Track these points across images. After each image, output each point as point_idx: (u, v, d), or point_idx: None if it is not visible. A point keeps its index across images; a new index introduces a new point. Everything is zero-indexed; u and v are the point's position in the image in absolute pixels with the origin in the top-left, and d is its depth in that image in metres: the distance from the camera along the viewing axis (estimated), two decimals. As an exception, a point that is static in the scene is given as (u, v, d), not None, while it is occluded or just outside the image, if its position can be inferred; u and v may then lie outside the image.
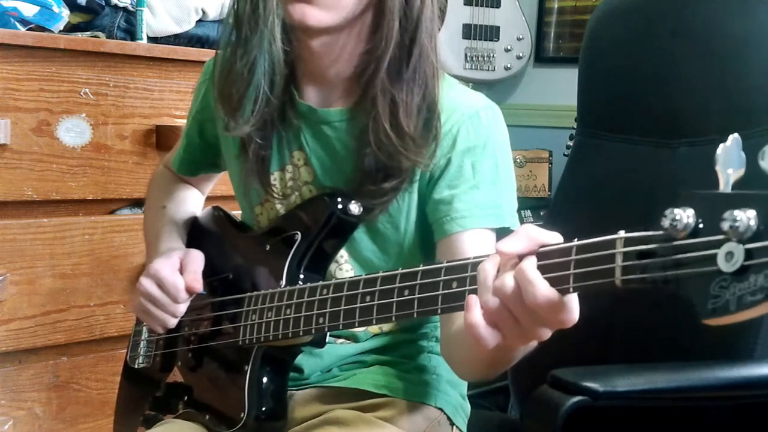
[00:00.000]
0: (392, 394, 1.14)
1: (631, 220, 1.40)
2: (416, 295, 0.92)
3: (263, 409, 1.09)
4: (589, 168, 1.54)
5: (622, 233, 0.74)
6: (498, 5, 3.05)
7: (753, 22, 1.36)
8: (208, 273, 1.19)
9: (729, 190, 0.70)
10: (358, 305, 0.98)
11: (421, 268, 0.93)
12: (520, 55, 3.08)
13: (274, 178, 1.17)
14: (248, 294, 1.11)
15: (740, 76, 1.36)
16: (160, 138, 1.83)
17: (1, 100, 1.60)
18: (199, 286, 1.14)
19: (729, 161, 0.71)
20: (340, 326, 1.01)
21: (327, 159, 1.14)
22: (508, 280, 0.80)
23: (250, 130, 1.11)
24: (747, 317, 0.64)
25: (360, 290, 0.98)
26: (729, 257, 0.65)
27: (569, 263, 0.77)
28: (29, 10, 1.69)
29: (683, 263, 0.68)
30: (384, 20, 1.05)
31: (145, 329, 1.28)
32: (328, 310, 1.01)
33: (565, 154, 2.60)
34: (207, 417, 1.15)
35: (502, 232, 1.09)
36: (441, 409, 1.17)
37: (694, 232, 0.68)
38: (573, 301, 0.79)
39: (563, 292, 0.78)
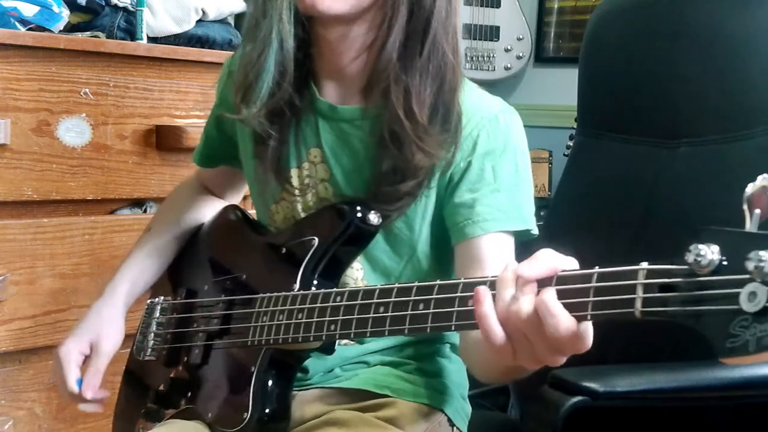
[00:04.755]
0: (394, 395, 1.14)
1: (632, 220, 1.41)
2: (431, 310, 0.91)
3: (266, 411, 1.09)
4: (589, 168, 1.54)
5: (644, 264, 0.74)
6: (498, 5, 3.05)
7: (753, 22, 1.37)
8: (220, 272, 1.20)
9: (755, 229, 0.69)
10: (371, 315, 0.96)
11: (438, 282, 0.91)
12: (520, 55, 3.08)
13: (291, 175, 1.16)
14: (260, 295, 1.11)
15: (741, 75, 1.36)
16: (160, 138, 1.83)
17: (1, 100, 1.60)
18: (90, 395, 1.21)
19: (757, 201, 0.71)
20: (352, 335, 1.00)
21: (345, 157, 1.14)
22: (526, 306, 0.80)
23: (257, 113, 1.11)
24: (765, 359, 0.64)
25: (374, 300, 0.96)
26: (752, 297, 0.64)
27: (588, 290, 0.76)
28: (29, 10, 1.69)
29: (705, 300, 0.68)
30: (388, 3, 1.05)
31: (154, 322, 1.28)
32: (341, 317, 0.99)
33: (565, 154, 2.60)
34: (210, 415, 1.15)
35: (522, 235, 1.11)
36: (442, 411, 1.17)
37: (718, 270, 0.68)
38: (589, 329, 0.80)
39: (580, 319, 0.77)
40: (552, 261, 0.81)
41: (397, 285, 0.95)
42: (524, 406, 1.47)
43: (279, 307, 1.07)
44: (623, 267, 0.75)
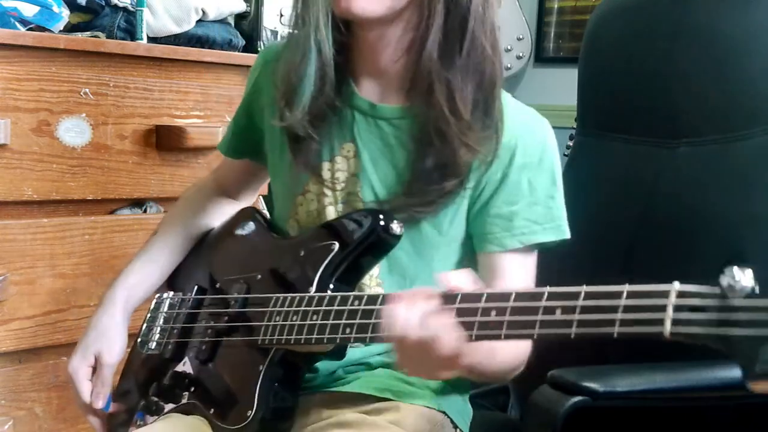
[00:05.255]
0: (396, 398, 1.14)
1: (631, 219, 1.41)
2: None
3: (271, 409, 1.09)
4: (589, 167, 1.54)
5: (676, 285, 0.74)
6: (498, 5, 3.05)
7: (753, 22, 1.36)
8: (235, 270, 1.20)
9: None
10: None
11: (461, 293, 0.90)
12: (520, 55, 3.09)
13: (322, 168, 1.17)
14: (274, 295, 1.10)
15: (740, 75, 1.36)
16: (160, 138, 1.83)
17: (1, 100, 1.60)
18: (101, 404, 1.24)
19: None
20: (367, 340, 0.99)
21: (379, 154, 1.15)
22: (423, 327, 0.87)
23: (301, 118, 1.12)
24: None
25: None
26: None
27: (617, 308, 0.77)
28: (29, 10, 1.69)
29: (736, 323, 0.69)
30: (424, 3, 1.06)
31: (160, 316, 1.28)
32: (357, 321, 0.98)
33: (565, 154, 2.59)
34: (212, 411, 1.14)
35: (557, 242, 1.14)
36: (444, 413, 1.16)
37: (751, 295, 0.69)
38: (471, 348, 0.88)
39: (607, 335, 0.78)
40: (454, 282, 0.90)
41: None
42: (524, 406, 1.47)
43: (293, 308, 1.06)
44: (654, 286, 0.75)
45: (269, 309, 1.09)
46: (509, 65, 3.08)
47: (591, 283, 0.81)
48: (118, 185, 1.78)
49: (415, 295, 0.90)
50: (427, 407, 1.15)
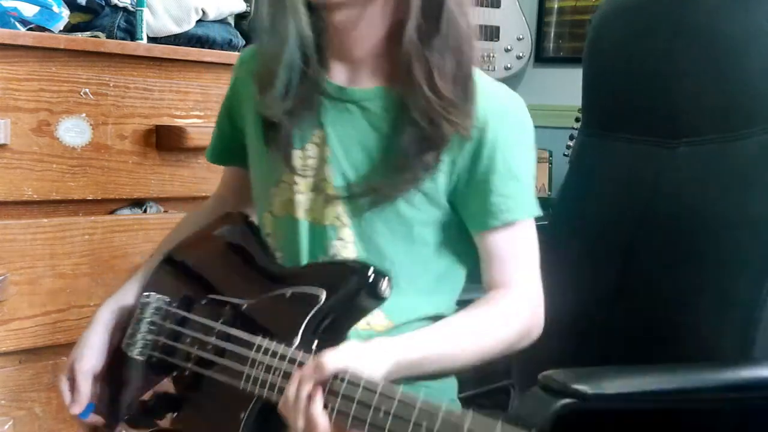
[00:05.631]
0: None
1: (632, 219, 1.41)
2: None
3: None
4: (593, 167, 1.54)
5: None
6: (498, 5, 3.05)
7: (753, 22, 1.36)
8: (221, 290, 1.18)
9: None
10: (370, 417, 0.91)
11: (443, 411, 0.89)
12: (520, 55, 3.08)
13: (294, 156, 1.16)
14: (258, 340, 1.06)
15: (740, 75, 1.36)
16: (160, 138, 1.83)
17: (1, 100, 1.60)
18: (76, 411, 1.23)
19: None
20: (349, 423, 0.95)
21: (348, 138, 1.14)
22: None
23: (283, 103, 1.12)
24: None
25: (377, 395, 0.91)
26: None
27: None
28: (29, 10, 1.70)
29: None
30: None
31: (145, 321, 1.23)
32: (339, 398, 0.94)
33: (565, 154, 2.60)
34: None
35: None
36: None
37: None
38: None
39: None
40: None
41: (399, 395, 0.91)
42: (516, 407, 1.47)
43: (276, 362, 1.03)
44: None
45: (252, 355, 1.06)
46: (509, 65, 3.07)
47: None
48: (118, 185, 1.78)
49: (303, 374, 0.96)
50: None
